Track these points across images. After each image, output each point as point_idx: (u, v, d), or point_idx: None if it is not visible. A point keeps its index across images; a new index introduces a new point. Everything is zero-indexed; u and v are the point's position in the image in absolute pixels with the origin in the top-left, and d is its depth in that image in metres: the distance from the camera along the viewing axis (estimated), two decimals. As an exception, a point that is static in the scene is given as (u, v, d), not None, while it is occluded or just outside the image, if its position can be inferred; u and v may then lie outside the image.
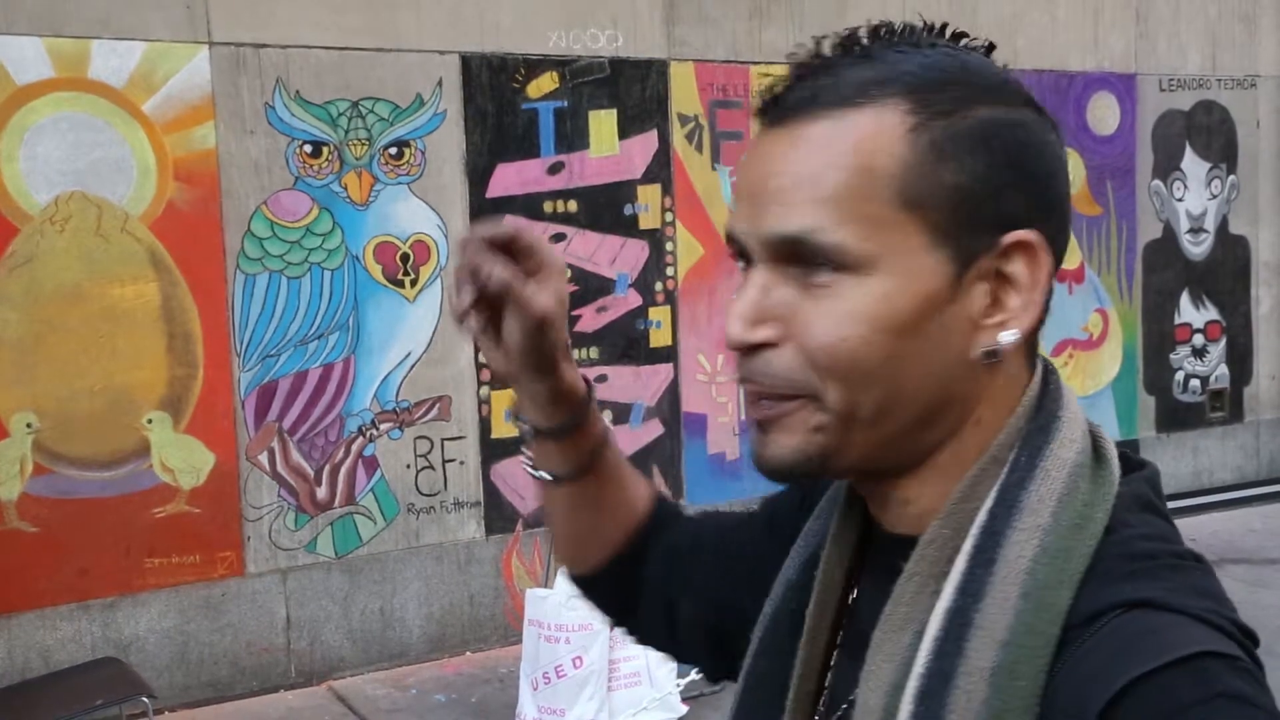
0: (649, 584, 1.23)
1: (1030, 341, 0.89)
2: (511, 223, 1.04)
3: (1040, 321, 0.88)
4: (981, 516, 0.84)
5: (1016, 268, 0.85)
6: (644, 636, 1.29)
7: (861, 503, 0.97)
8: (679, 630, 1.22)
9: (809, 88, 0.86)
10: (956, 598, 0.81)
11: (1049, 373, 0.92)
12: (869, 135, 0.83)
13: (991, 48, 0.90)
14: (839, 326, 0.83)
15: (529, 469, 1.20)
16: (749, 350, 0.87)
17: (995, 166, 0.84)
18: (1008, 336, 0.86)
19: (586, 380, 1.15)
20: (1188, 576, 0.81)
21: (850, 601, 0.98)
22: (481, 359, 5.97)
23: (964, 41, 0.90)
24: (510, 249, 1.03)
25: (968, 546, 0.83)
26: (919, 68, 0.85)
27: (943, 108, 0.84)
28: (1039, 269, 0.86)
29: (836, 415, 0.85)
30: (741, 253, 0.90)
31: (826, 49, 0.88)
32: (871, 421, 0.85)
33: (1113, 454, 0.89)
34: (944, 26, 0.89)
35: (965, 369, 0.86)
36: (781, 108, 0.87)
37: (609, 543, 1.23)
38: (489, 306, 1.05)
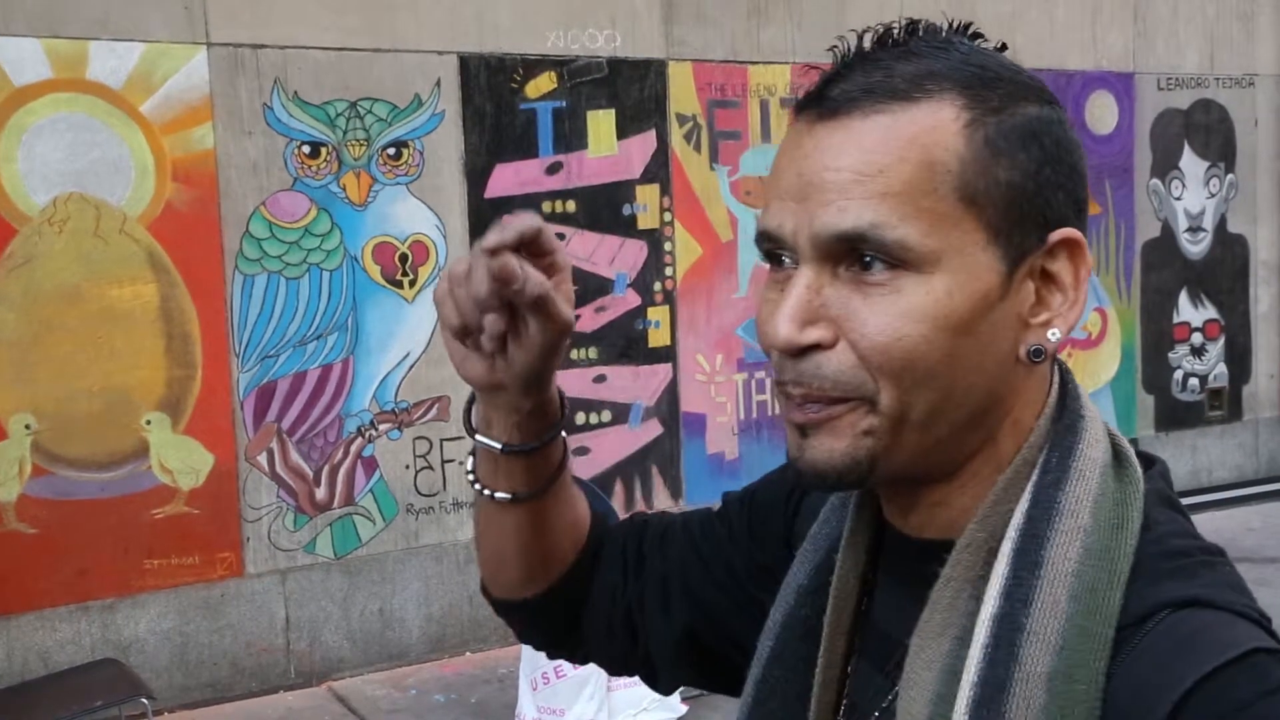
0: (602, 595, 1.19)
1: None
2: (531, 218, 0.96)
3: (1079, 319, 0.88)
4: (1018, 519, 0.83)
5: (1061, 266, 0.85)
6: (591, 652, 1.24)
7: (873, 506, 0.96)
8: (642, 637, 1.18)
9: (859, 81, 0.84)
10: (1002, 603, 0.80)
11: (1065, 373, 0.92)
12: (928, 129, 0.82)
13: (1003, 48, 0.90)
14: (897, 325, 0.81)
15: (481, 490, 1.11)
16: (798, 353, 0.84)
17: (1042, 164, 0.84)
18: (1054, 335, 0.85)
19: (561, 393, 1.10)
20: (1221, 572, 0.83)
21: (863, 607, 0.97)
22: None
23: (979, 42, 0.89)
24: (531, 247, 0.96)
25: (1007, 550, 0.82)
26: (965, 65, 0.85)
27: (994, 104, 0.84)
28: (1081, 267, 0.86)
29: (888, 418, 0.83)
30: (772, 253, 0.88)
31: (867, 43, 0.87)
32: (923, 424, 0.84)
33: (1131, 452, 0.89)
34: (967, 26, 0.89)
35: (1010, 369, 0.86)
36: (831, 101, 0.84)
37: (561, 560, 1.17)
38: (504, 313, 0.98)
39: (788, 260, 0.87)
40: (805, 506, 1.09)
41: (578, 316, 5.60)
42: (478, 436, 1.08)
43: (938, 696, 0.81)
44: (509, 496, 1.09)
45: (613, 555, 1.19)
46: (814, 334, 0.83)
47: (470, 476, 1.12)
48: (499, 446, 1.06)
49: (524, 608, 1.19)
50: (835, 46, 0.88)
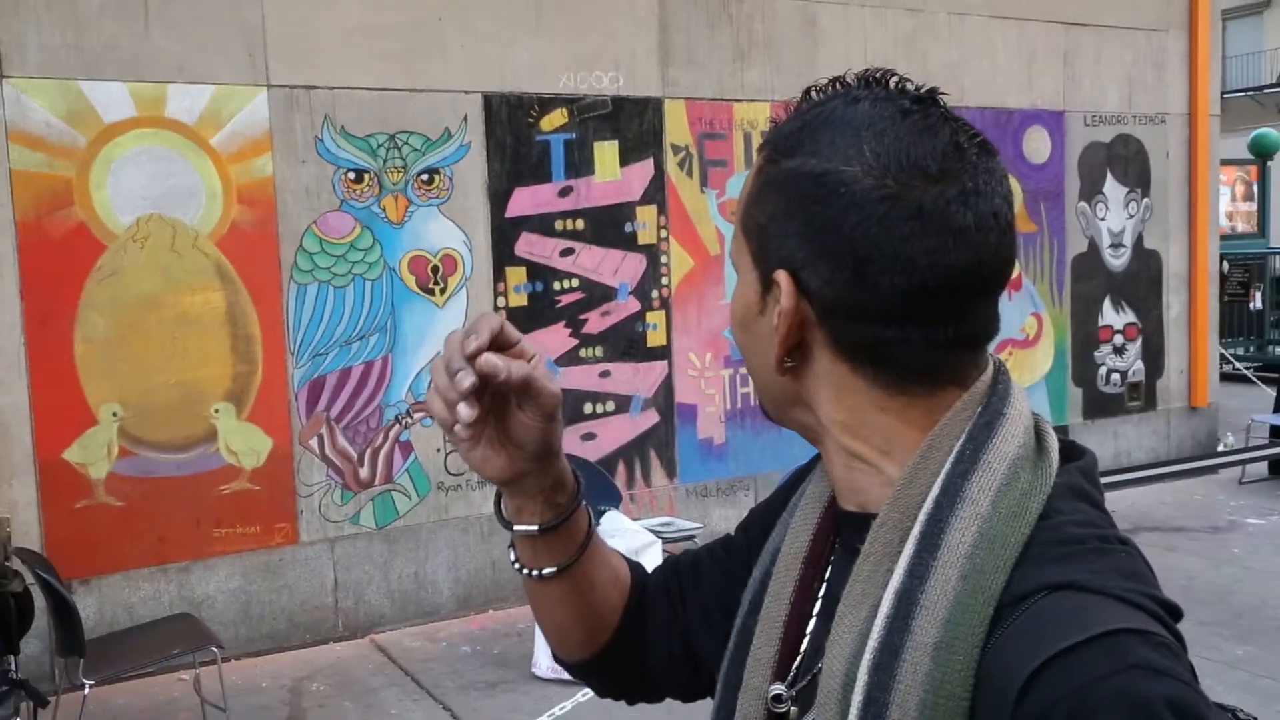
0: (658, 634, 1.14)
1: (899, 365, 0.84)
2: (494, 317, 0.93)
3: (820, 351, 0.85)
4: (928, 504, 0.81)
5: (778, 300, 0.84)
6: (664, 688, 1.18)
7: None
8: (702, 662, 1.11)
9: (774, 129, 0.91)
10: (905, 579, 0.79)
11: (999, 373, 0.88)
12: (752, 171, 0.90)
13: (931, 92, 0.85)
14: (730, 306, 0.94)
15: (530, 572, 1.06)
16: None
17: (783, 211, 0.84)
18: (774, 355, 0.87)
19: (572, 466, 1.05)
20: (1112, 559, 0.79)
21: (826, 575, 0.95)
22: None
23: (899, 85, 0.86)
24: (499, 342, 0.93)
25: (915, 532, 0.81)
26: (797, 120, 0.86)
27: (779, 155, 0.86)
28: (786, 305, 0.83)
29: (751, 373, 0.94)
30: None
31: (812, 95, 0.88)
32: (757, 389, 0.94)
33: (1053, 446, 0.86)
34: (886, 77, 0.86)
35: (784, 372, 0.88)
36: (762, 143, 0.92)
37: (613, 611, 1.13)
38: (489, 409, 0.95)
39: None
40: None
41: (586, 320, 5.63)
42: (515, 527, 1.04)
43: (852, 656, 0.80)
44: (555, 569, 1.05)
45: (657, 597, 1.15)
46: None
47: (516, 565, 1.07)
48: (536, 529, 1.03)
49: (596, 663, 1.15)
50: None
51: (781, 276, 0.83)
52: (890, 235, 0.80)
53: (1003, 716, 0.72)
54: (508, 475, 0.99)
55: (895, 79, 0.85)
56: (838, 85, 0.87)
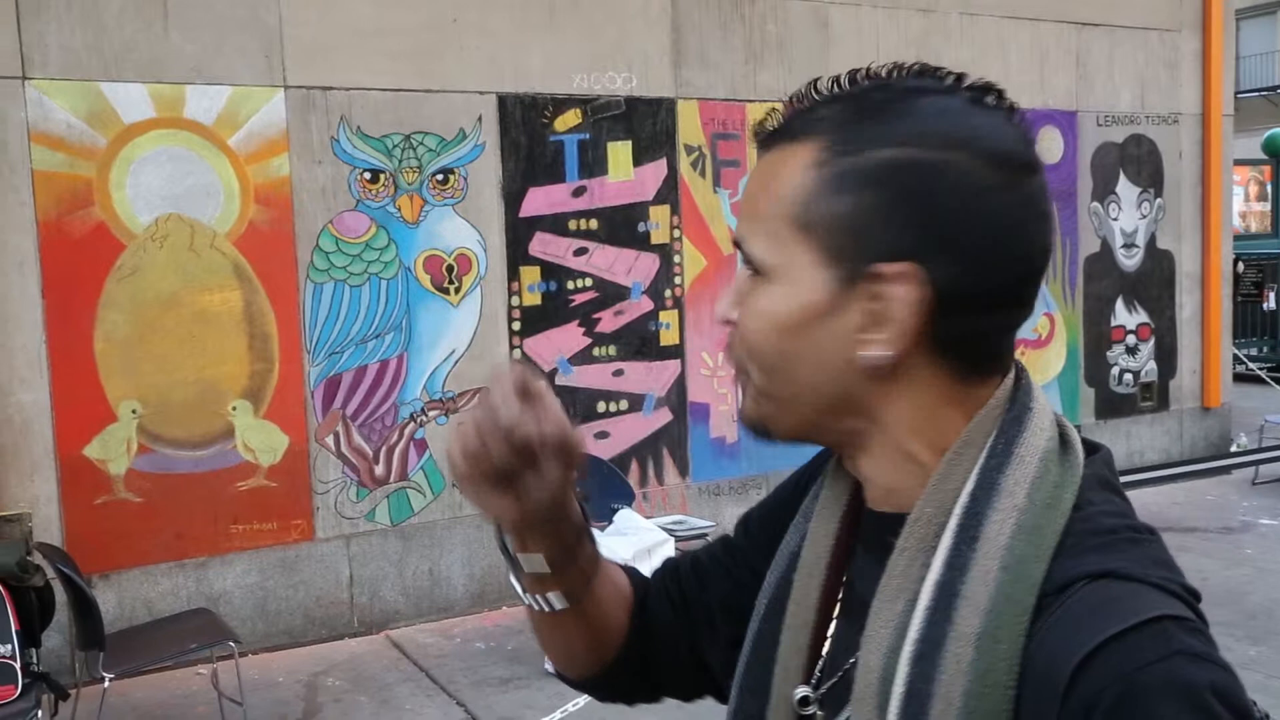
0: (664, 641, 1.11)
1: (985, 354, 0.85)
2: (517, 369, 0.89)
3: (914, 346, 0.82)
4: (964, 498, 0.82)
5: (891, 294, 0.81)
6: (673, 693, 1.16)
7: (849, 480, 0.94)
8: (712, 666, 1.10)
9: (780, 124, 0.88)
10: (944, 571, 0.80)
11: (1020, 371, 0.89)
12: (786, 165, 0.84)
13: (959, 79, 0.85)
14: (749, 319, 0.87)
15: (541, 606, 1.02)
16: (724, 324, 0.90)
17: (884, 202, 0.81)
18: (867, 355, 0.83)
19: (582, 502, 1.01)
20: (1144, 548, 0.81)
21: (846, 575, 0.94)
22: (517, 354, 6.03)
23: (944, 74, 0.86)
24: (524, 394, 0.89)
25: (952, 524, 0.81)
26: (851, 109, 0.84)
27: (852, 146, 0.82)
28: (910, 298, 0.81)
29: (759, 390, 0.88)
30: None
31: (814, 89, 0.87)
32: (786, 402, 0.87)
33: (1077, 440, 0.87)
34: (918, 66, 0.86)
35: (854, 374, 0.84)
36: (760, 139, 0.89)
37: (619, 625, 1.09)
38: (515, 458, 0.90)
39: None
40: (813, 483, 1.05)
41: (599, 319, 5.57)
42: (525, 569, 0.99)
43: (890, 650, 0.80)
44: (568, 604, 1.01)
45: (660, 604, 1.12)
46: (730, 314, 0.89)
47: (526, 598, 1.03)
48: (549, 570, 0.99)
49: (603, 678, 1.12)
50: (795, 92, 0.89)
51: (906, 268, 0.80)
52: (1013, 222, 0.82)
53: (1051, 704, 0.73)
54: (517, 522, 0.95)
55: (943, 70, 0.86)
56: (867, 75, 0.86)
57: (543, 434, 0.87)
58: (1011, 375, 0.88)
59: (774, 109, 0.89)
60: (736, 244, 0.89)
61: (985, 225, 0.81)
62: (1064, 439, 0.86)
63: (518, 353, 6.09)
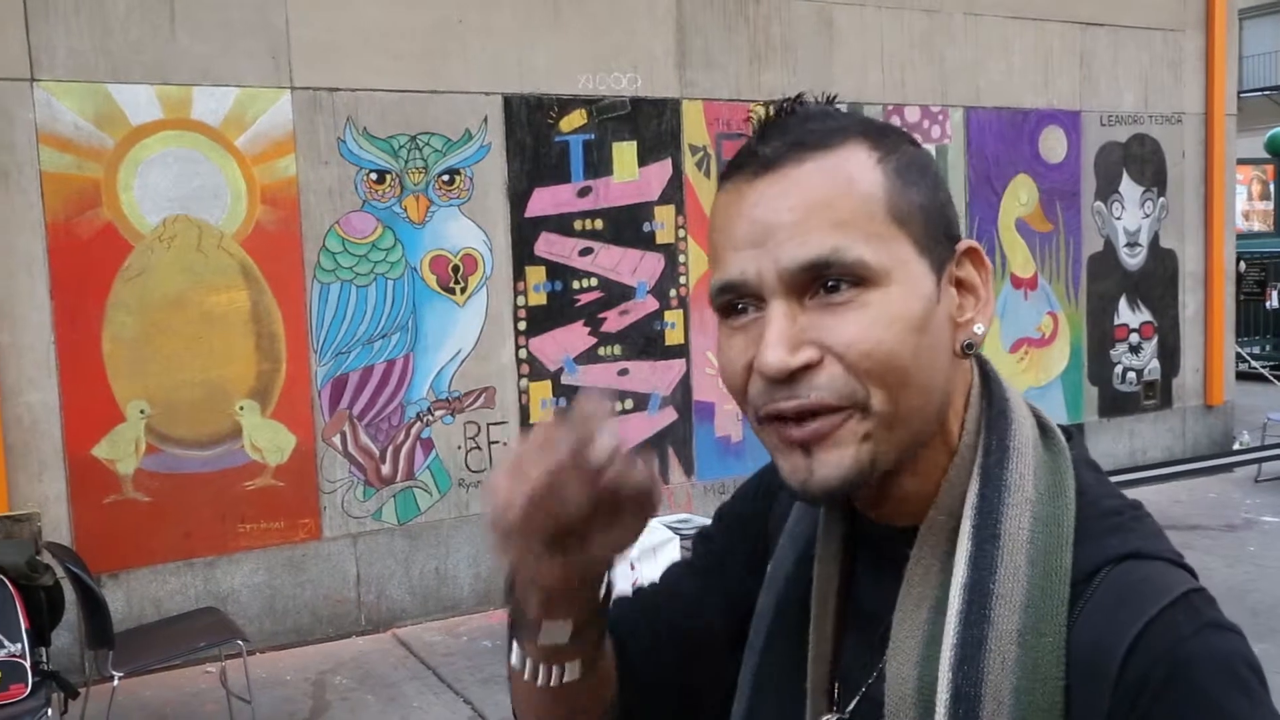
0: (651, 683, 1.00)
1: None
2: (602, 403, 0.76)
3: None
4: (972, 498, 0.81)
5: (969, 271, 0.85)
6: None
7: (843, 500, 0.89)
8: (703, 701, 1.02)
9: (782, 140, 0.82)
10: (970, 572, 0.79)
11: (984, 363, 0.89)
12: (853, 167, 0.80)
13: (831, 100, 0.87)
14: (875, 332, 0.78)
15: (549, 678, 0.86)
16: (789, 377, 0.78)
17: (935, 189, 0.84)
18: (979, 328, 0.84)
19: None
20: (1147, 524, 0.83)
21: (847, 592, 0.92)
22: (522, 354, 6.03)
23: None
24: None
25: (967, 526, 0.80)
26: (856, 120, 0.84)
27: (890, 145, 0.83)
28: (984, 270, 0.85)
29: (881, 418, 0.79)
30: (730, 306, 0.83)
31: (775, 112, 0.85)
32: (906, 419, 0.80)
33: (1053, 424, 0.88)
34: (832, 97, 0.87)
35: (952, 363, 0.83)
36: (764, 158, 0.81)
37: (613, 682, 0.97)
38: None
39: (748, 307, 0.82)
40: (778, 500, 1.03)
41: (605, 319, 5.51)
42: (542, 644, 0.84)
43: (922, 659, 0.79)
44: (580, 675, 0.88)
45: (640, 649, 1.00)
46: (803, 355, 0.78)
47: (528, 669, 0.87)
48: (568, 635, 0.85)
49: None
50: (750, 117, 0.86)
51: (973, 242, 0.85)
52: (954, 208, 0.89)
53: (1103, 689, 0.74)
54: (562, 586, 0.80)
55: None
56: (802, 100, 0.86)
57: (633, 482, 0.76)
58: (977, 369, 0.88)
59: (764, 118, 0.85)
60: (812, 267, 0.78)
61: (946, 200, 0.86)
62: (1041, 425, 0.87)
63: (524, 352, 6.10)
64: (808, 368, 0.78)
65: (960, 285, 0.85)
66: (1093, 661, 0.75)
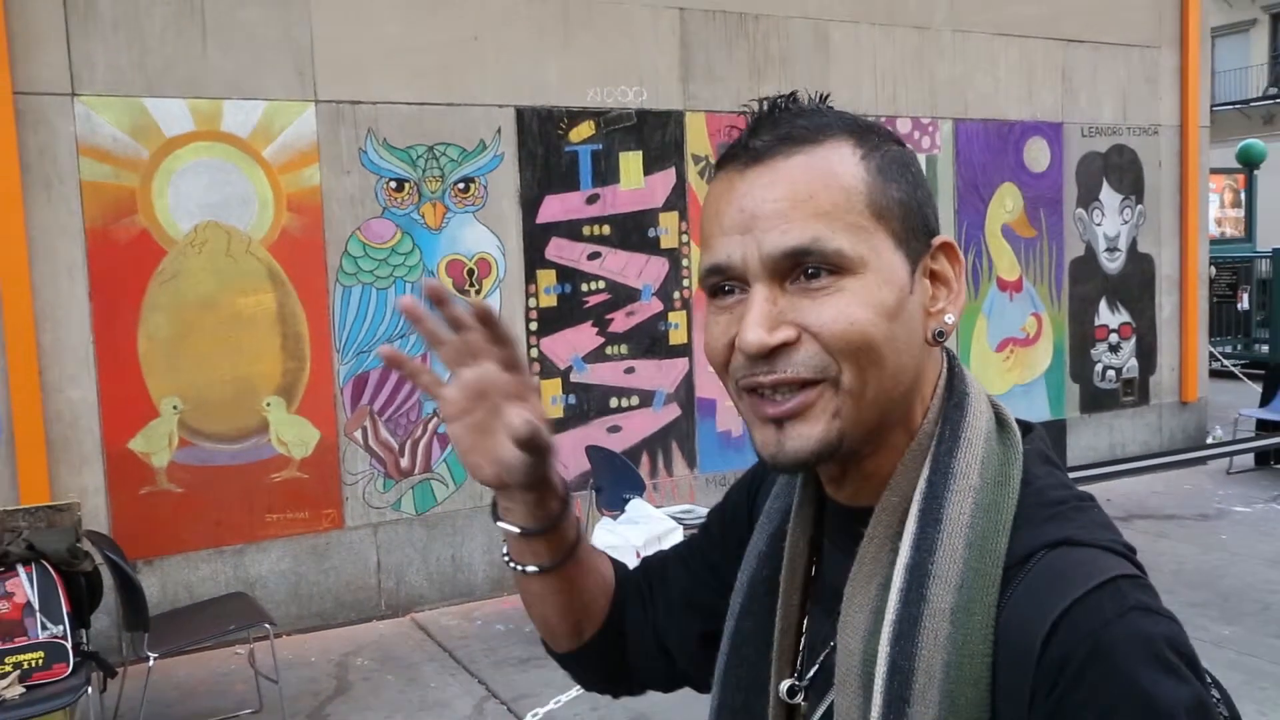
0: (634, 631, 1.13)
1: None
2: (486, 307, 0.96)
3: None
4: (922, 484, 0.83)
5: (943, 265, 0.86)
6: (644, 680, 1.17)
7: (815, 480, 0.94)
8: (676, 657, 1.12)
9: (772, 134, 0.84)
10: (913, 554, 0.80)
11: (952, 356, 0.90)
12: (837, 161, 0.82)
13: (825, 97, 0.90)
14: (850, 314, 0.80)
15: (514, 566, 1.06)
16: (768, 354, 0.81)
17: (915, 186, 0.85)
18: (950, 318, 0.85)
19: (564, 482, 1.04)
20: (1089, 514, 0.82)
21: (815, 566, 0.94)
22: (534, 353, 6.05)
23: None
24: (490, 328, 0.97)
25: (914, 510, 0.82)
26: (843, 118, 0.86)
27: (874, 143, 0.84)
28: (957, 264, 0.87)
29: (850, 395, 0.81)
30: (718, 287, 0.86)
31: (769, 108, 0.87)
32: (875, 399, 0.82)
33: (1012, 419, 0.88)
34: (825, 96, 0.89)
35: (923, 350, 0.85)
36: (755, 150, 0.83)
37: (599, 612, 1.12)
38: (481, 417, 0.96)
39: (734, 289, 0.85)
40: (764, 487, 1.07)
41: (612, 320, 5.51)
42: (500, 523, 1.03)
43: (868, 633, 0.81)
44: (536, 569, 1.04)
45: (634, 596, 1.14)
46: (781, 334, 0.81)
47: (505, 558, 1.06)
48: (518, 530, 1.02)
49: (579, 656, 1.14)
50: (745, 111, 0.88)
51: (948, 240, 0.87)
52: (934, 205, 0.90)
53: (1027, 667, 0.75)
54: (494, 484, 0.98)
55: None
56: (796, 99, 0.88)
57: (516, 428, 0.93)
58: (945, 363, 0.89)
59: (758, 113, 0.87)
60: (794, 254, 0.81)
61: (926, 196, 0.87)
62: (1000, 419, 0.88)
63: (535, 351, 6.12)
64: (785, 345, 0.81)
65: (934, 277, 0.86)
66: (1019, 640, 0.75)
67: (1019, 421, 0.89)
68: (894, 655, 0.78)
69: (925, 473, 0.83)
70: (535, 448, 0.94)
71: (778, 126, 0.84)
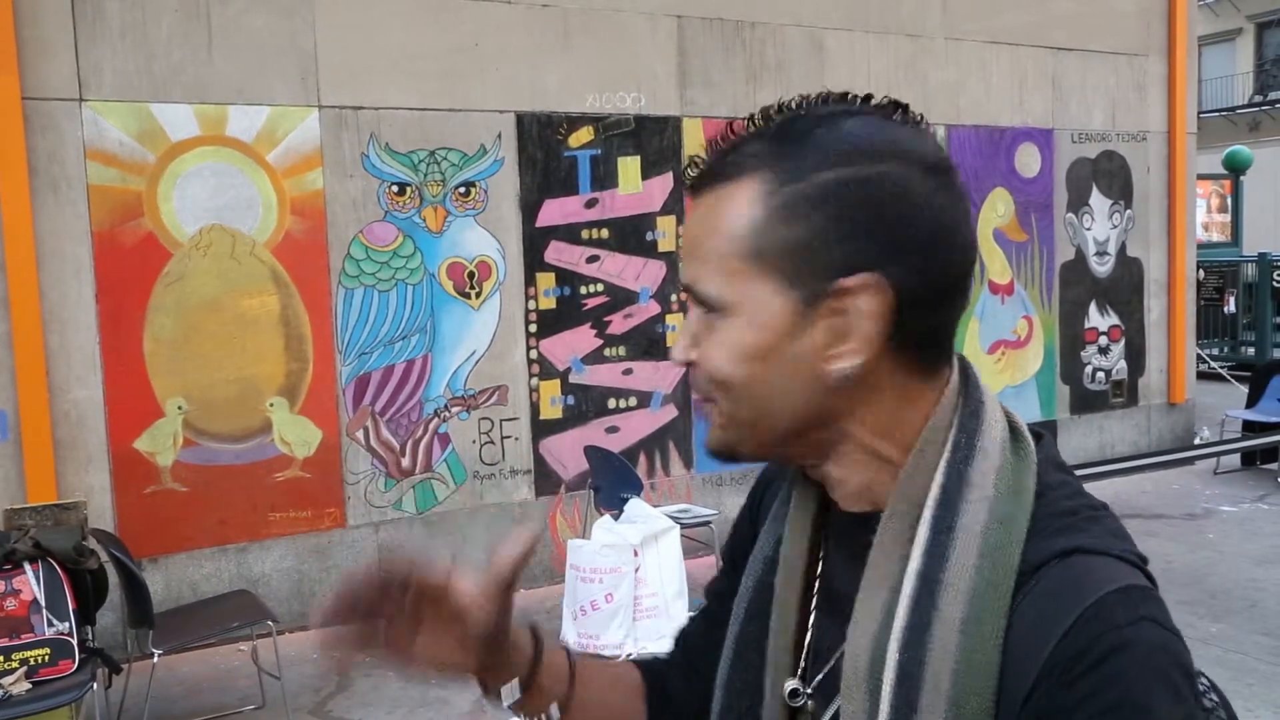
0: (687, 707, 1.08)
1: (935, 348, 0.85)
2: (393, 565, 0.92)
3: (877, 352, 0.81)
4: (935, 491, 0.81)
5: (854, 307, 0.80)
6: None
7: (816, 486, 0.92)
8: None
9: (710, 165, 0.85)
10: (925, 561, 0.79)
11: (965, 366, 0.87)
12: (732, 204, 0.82)
13: (867, 99, 0.86)
14: (716, 354, 0.83)
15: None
16: (685, 366, 0.88)
17: (835, 220, 0.79)
18: (840, 368, 0.81)
19: (533, 628, 1.02)
20: (1103, 523, 0.81)
21: (820, 569, 0.92)
22: (533, 355, 6.06)
23: (852, 97, 0.85)
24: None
25: (928, 516, 0.80)
26: (778, 142, 0.82)
27: (794, 175, 0.80)
28: (873, 307, 0.80)
29: (725, 416, 0.85)
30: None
31: (731, 131, 0.85)
32: (751, 425, 0.85)
33: (1025, 428, 0.86)
34: (824, 93, 0.86)
35: (824, 389, 0.82)
36: (692, 183, 0.86)
37: (635, 715, 1.09)
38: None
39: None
40: (767, 496, 1.05)
41: (610, 322, 5.46)
42: (506, 701, 0.99)
43: (877, 639, 0.79)
44: (561, 712, 1.00)
45: (674, 679, 1.10)
46: (689, 355, 0.86)
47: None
48: (522, 692, 0.99)
49: None
50: (718, 133, 0.87)
51: (870, 278, 0.79)
52: (950, 221, 0.81)
53: (1030, 671, 0.74)
54: (461, 663, 0.95)
55: (848, 94, 0.85)
56: (792, 107, 0.85)
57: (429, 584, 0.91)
58: (957, 369, 0.87)
59: (696, 157, 0.87)
60: (686, 289, 0.86)
61: (930, 227, 0.80)
62: (1013, 428, 0.86)
63: (534, 353, 6.12)
64: (692, 363, 0.87)
65: (844, 318, 0.81)
66: (1026, 648, 0.74)
67: (1031, 430, 0.88)
68: (903, 662, 0.77)
69: (939, 480, 0.81)
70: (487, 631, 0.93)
71: (712, 156, 0.85)
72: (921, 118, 0.85)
